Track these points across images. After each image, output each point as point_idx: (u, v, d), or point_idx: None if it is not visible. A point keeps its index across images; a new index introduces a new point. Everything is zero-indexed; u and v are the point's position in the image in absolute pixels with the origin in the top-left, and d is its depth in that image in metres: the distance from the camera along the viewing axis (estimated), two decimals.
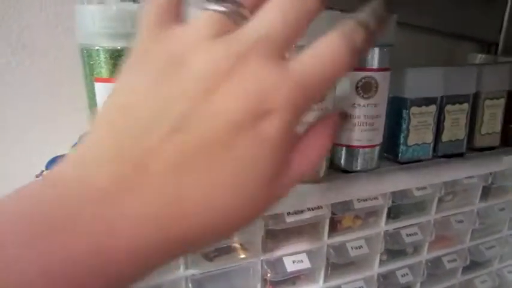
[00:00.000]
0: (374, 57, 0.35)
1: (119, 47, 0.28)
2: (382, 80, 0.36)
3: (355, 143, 0.37)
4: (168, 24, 0.18)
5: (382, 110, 0.37)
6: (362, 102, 0.36)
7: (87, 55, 0.29)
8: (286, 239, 0.37)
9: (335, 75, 0.18)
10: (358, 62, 0.20)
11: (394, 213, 0.42)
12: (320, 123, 0.22)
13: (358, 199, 0.37)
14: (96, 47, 0.28)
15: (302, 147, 0.20)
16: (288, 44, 0.17)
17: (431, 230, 0.44)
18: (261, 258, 0.35)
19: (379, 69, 0.35)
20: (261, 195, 0.18)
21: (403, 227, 0.42)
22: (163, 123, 0.16)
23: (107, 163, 0.15)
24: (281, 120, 0.17)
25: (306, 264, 0.36)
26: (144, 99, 0.16)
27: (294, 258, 0.36)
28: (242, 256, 0.35)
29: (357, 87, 0.36)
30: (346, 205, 0.37)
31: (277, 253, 0.36)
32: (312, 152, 0.20)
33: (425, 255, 0.45)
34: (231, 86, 0.16)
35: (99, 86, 0.29)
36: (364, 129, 0.37)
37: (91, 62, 0.29)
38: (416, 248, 0.45)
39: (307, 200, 0.34)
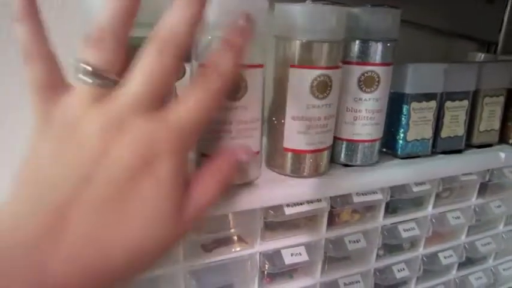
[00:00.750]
0: (377, 52, 0.35)
1: None
2: (385, 74, 0.36)
3: (356, 137, 0.37)
4: (55, 93, 0.21)
5: (384, 104, 0.37)
6: (364, 96, 0.36)
7: None
8: (285, 232, 0.37)
9: (203, 119, 0.22)
10: (222, 100, 0.23)
11: (391, 208, 0.42)
12: (216, 161, 0.25)
13: (357, 193, 0.37)
14: None
15: (199, 183, 0.23)
16: (155, 97, 0.20)
17: (428, 226, 0.44)
18: (259, 251, 0.35)
19: (382, 64, 0.35)
20: (168, 229, 0.21)
21: (401, 222, 0.43)
22: (70, 180, 0.19)
23: (32, 216, 0.18)
24: (169, 162, 0.20)
25: (304, 257, 0.36)
26: (49, 162, 0.19)
27: (292, 250, 0.36)
28: (240, 248, 0.35)
29: (359, 81, 0.35)
30: (345, 199, 0.37)
31: (276, 245, 0.36)
32: (209, 188, 0.23)
33: (421, 250, 0.46)
34: (119, 143, 0.19)
35: None
36: (365, 124, 0.37)
37: None
38: (413, 243, 0.46)
39: (306, 193, 0.34)
